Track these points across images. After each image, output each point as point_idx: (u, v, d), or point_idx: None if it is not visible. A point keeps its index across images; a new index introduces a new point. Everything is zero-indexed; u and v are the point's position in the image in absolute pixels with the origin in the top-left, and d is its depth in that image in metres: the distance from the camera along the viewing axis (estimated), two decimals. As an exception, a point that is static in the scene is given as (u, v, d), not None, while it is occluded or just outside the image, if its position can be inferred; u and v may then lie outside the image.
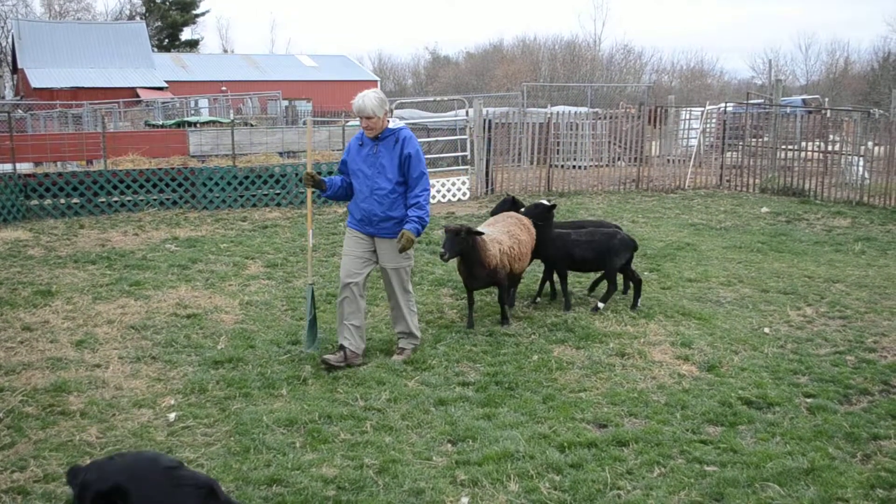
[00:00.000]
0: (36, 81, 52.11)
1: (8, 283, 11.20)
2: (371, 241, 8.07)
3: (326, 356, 7.92)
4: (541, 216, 9.87)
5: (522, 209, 10.26)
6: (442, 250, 8.62)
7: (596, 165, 21.95)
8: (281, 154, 22.92)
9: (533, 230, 9.78)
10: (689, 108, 24.73)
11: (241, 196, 18.41)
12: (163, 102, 42.45)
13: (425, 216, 7.87)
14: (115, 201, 17.79)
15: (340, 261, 8.28)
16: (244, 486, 5.59)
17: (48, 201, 17.33)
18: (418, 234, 7.86)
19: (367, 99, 7.71)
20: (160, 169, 18.48)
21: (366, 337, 8.38)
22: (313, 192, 8.69)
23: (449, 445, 6.31)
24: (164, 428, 6.60)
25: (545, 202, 10.09)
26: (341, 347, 8.00)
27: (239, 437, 6.38)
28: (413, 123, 24.54)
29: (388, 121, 7.87)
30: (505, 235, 9.29)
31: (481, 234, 8.87)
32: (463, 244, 8.67)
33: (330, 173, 18.94)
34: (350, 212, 8.19)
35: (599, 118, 22.88)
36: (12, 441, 6.32)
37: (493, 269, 8.95)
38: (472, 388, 7.46)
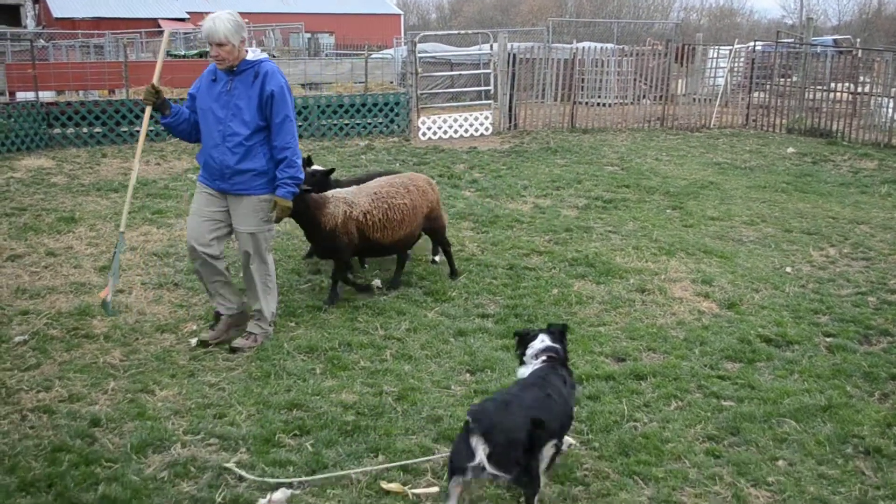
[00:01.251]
0: (57, 11, 51.86)
1: (32, 209, 11.28)
2: (224, 199, 6.66)
3: (202, 336, 6.92)
4: (319, 184, 8.10)
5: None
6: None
7: (621, 103, 21.71)
8: (303, 86, 22.80)
9: (432, 194, 8.40)
10: (716, 47, 24.33)
11: (263, 127, 18.33)
12: (185, 33, 42.18)
13: (298, 173, 6.57)
14: (137, 131, 17.77)
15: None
16: (265, 410, 5.67)
17: (70, 130, 17.36)
18: (292, 196, 6.60)
19: (219, 21, 6.26)
20: (182, 99, 18.38)
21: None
22: (152, 116, 7.05)
23: (467, 375, 6.36)
24: (187, 352, 6.68)
25: (320, 168, 8.67)
26: (217, 316, 7.02)
27: (260, 363, 6.45)
28: (437, 57, 24.33)
29: (247, 51, 6.45)
30: (367, 197, 7.84)
31: (310, 191, 7.36)
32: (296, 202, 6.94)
33: (353, 106, 18.87)
34: (199, 162, 6.82)
35: (625, 55, 22.57)
36: (38, 362, 6.42)
37: (329, 231, 7.53)
38: (492, 319, 7.49)
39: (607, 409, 5.76)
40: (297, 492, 4.74)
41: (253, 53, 6.49)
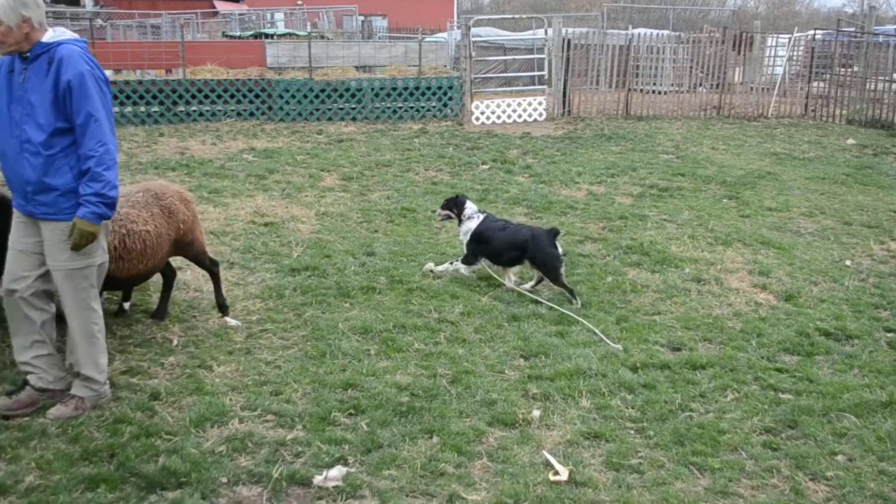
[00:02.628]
0: (116, -10, 52.44)
1: (91, 185, 11.44)
2: (37, 226, 5.18)
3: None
4: None
5: None
6: None
7: (676, 91, 21.47)
8: (357, 68, 22.83)
9: (182, 213, 6.55)
10: (775, 35, 23.94)
11: (318, 109, 18.46)
12: (239, 14, 42.49)
13: (108, 190, 4.98)
14: (194, 110, 18.00)
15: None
16: (320, 389, 5.71)
17: (129, 109, 17.61)
18: (100, 220, 5.02)
19: None
20: (237, 80, 18.60)
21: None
22: None
23: (521, 360, 6.35)
24: (243, 330, 6.74)
25: None
26: (24, 384, 5.42)
27: (315, 342, 6.50)
28: (490, 42, 24.24)
29: (47, 31, 5.03)
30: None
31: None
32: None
33: (406, 90, 18.87)
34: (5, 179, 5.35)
35: (682, 42, 22.31)
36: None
37: None
38: (546, 305, 7.46)
39: (662, 398, 5.72)
40: (353, 470, 4.77)
41: (54, 33, 5.03)
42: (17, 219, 5.25)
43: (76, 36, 5.13)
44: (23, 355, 5.34)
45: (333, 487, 4.62)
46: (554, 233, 7.81)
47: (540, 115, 19.20)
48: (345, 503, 4.50)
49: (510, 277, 7.94)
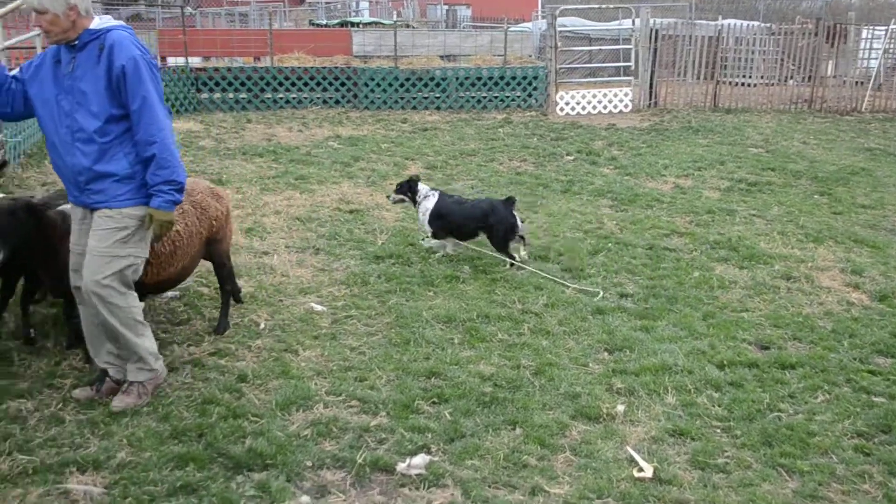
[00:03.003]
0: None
1: (182, 170, 11.70)
2: (92, 217, 5.09)
3: (77, 392, 5.38)
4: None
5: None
6: None
7: (766, 83, 20.99)
8: (442, 57, 22.89)
9: (214, 209, 6.23)
10: (871, 27, 23.21)
11: (402, 98, 18.55)
12: (326, 3, 42.92)
13: (177, 175, 4.96)
14: (281, 97, 18.25)
15: None
16: (404, 376, 5.74)
17: (217, 95, 17.96)
18: (174, 207, 5.03)
19: None
20: (324, 67, 18.80)
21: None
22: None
23: (605, 354, 6.29)
24: (329, 315, 6.82)
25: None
26: (103, 374, 5.40)
27: (399, 330, 6.54)
28: (575, 32, 24.03)
29: (93, 18, 4.93)
30: None
31: (49, 208, 5.49)
32: (23, 231, 5.27)
33: (491, 79, 18.81)
34: (56, 172, 5.34)
35: (772, 33, 21.78)
36: (188, 318, 6.68)
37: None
38: (631, 299, 7.38)
39: (750, 398, 5.60)
40: (436, 458, 4.79)
41: (100, 20, 4.96)
42: (74, 214, 5.20)
43: (122, 23, 5.08)
44: (98, 355, 5.36)
45: (416, 475, 4.64)
46: (511, 201, 8.20)
47: (626, 106, 18.98)
48: (427, 491, 4.52)
49: (450, 246, 8.43)
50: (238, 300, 6.88)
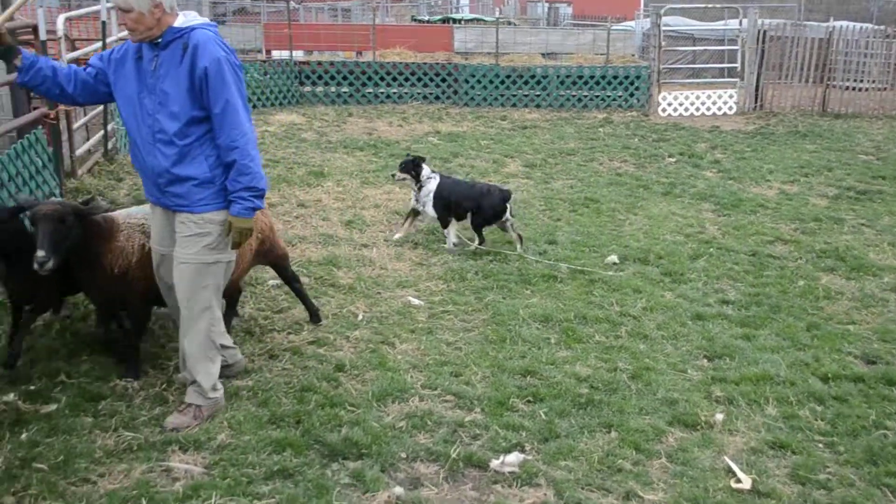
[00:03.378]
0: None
1: (285, 162, 11.93)
2: (174, 217, 5.00)
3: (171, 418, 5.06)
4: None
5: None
6: (41, 254, 4.80)
7: (878, 88, 20.29)
8: (543, 55, 22.80)
9: (260, 223, 5.87)
10: None
11: (502, 95, 18.52)
12: (428, -1, 43.14)
13: (258, 181, 4.82)
14: (381, 92, 18.43)
15: None
16: (499, 374, 5.74)
17: (320, 88, 18.25)
18: (253, 213, 4.90)
19: None
20: (425, 63, 18.92)
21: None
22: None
23: (705, 360, 6.18)
24: (426, 310, 6.86)
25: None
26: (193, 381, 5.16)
27: (496, 327, 6.54)
28: (679, 31, 23.65)
29: (177, 15, 4.77)
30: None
31: (100, 211, 5.23)
32: (72, 238, 5.02)
33: (592, 78, 18.64)
34: (137, 169, 5.22)
35: (886, 36, 21.04)
36: (288, 306, 6.80)
37: (119, 275, 5.28)
38: (732, 306, 7.23)
39: (855, 413, 5.43)
40: (529, 457, 4.77)
41: (185, 17, 4.79)
42: (154, 213, 5.10)
43: (207, 20, 4.90)
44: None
45: (509, 473, 4.64)
46: (507, 193, 8.51)
47: (730, 108, 18.60)
48: (520, 490, 4.51)
49: (452, 233, 8.54)
50: (316, 319, 6.50)
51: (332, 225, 8.96)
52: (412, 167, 8.55)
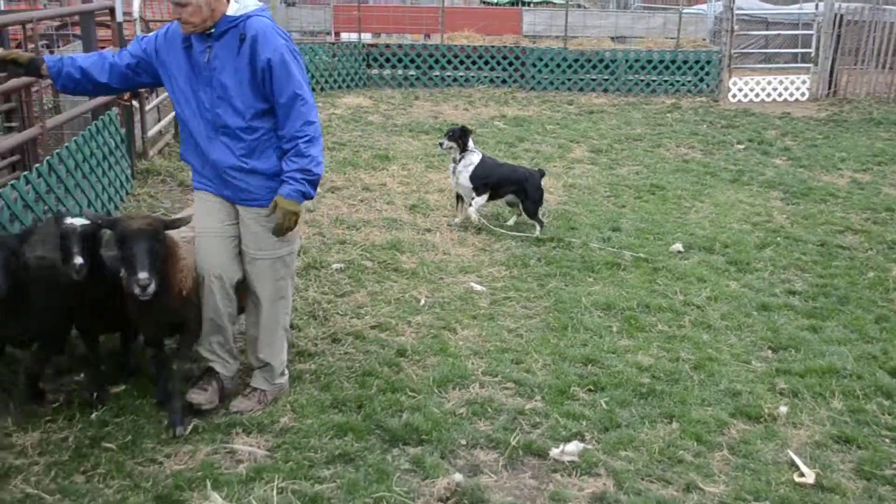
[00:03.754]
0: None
1: (351, 145, 12.01)
2: (232, 207, 4.89)
3: (193, 394, 4.90)
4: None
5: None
6: (144, 276, 4.33)
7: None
8: (612, 39, 22.50)
9: None
10: None
11: (569, 79, 18.37)
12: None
13: (314, 166, 4.65)
14: (448, 76, 18.42)
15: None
16: (560, 362, 5.74)
17: (387, 71, 18.29)
18: (304, 199, 4.69)
19: None
20: (493, 46, 18.83)
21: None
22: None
23: (769, 352, 6.10)
24: (488, 296, 6.88)
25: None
26: (209, 373, 5.07)
27: (557, 314, 6.53)
28: (752, 15, 23.19)
29: (230, 3, 4.57)
30: None
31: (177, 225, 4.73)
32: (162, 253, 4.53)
33: (661, 63, 18.38)
34: (186, 161, 5.08)
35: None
36: (351, 290, 6.87)
37: (184, 299, 4.81)
38: (799, 297, 7.11)
39: (925, 408, 5.33)
40: (589, 447, 4.77)
41: (238, 4, 4.57)
42: (206, 199, 4.91)
43: (260, 5, 4.71)
44: (202, 344, 5.05)
45: (569, 462, 4.64)
46: (541, 173, 8.74)
47: (802, 94, 18.21)
48: (579, 479, 4.51)
49: (480, 203, 8.63)
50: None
51: (396, 209, 9.02)
52: (460, 136, 8.61)
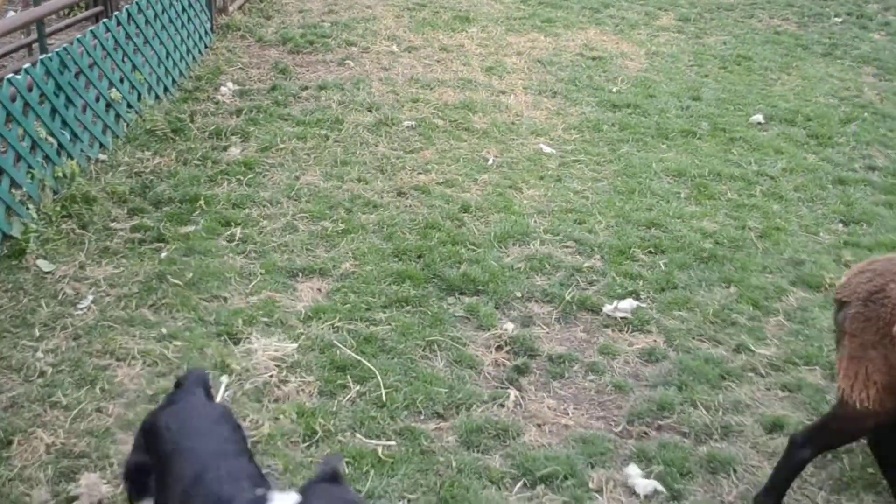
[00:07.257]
0: None
1: (431, 5, 11.81)
2: None
3: None
4: None
5: None
6: None
7: None
8: None
9: None
10: None
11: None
12: None
13: None
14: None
15: None
16: (623, 224, 5.74)
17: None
18: None
19: None
20: None
21: None
22: None
23: (840, 225, 5.99)
24: (557, 158, 6.84)
25: None
26: None
27: (626, 179, 6.48)
28: None
29: None
30: None
31: None
32: None
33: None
34: None
35: None
36: (420, 147, 6.90)
37: None
38: (879, 173, 6.91)
39: None
40: (643, 305, 4.81)
41: None
42: None
43: None
44: None
45: (621, 318, 4.71)
46: None
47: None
48: (630, 335, 4.58)
49: None
50: None
51: (472, 70, 8.91)
52: None
